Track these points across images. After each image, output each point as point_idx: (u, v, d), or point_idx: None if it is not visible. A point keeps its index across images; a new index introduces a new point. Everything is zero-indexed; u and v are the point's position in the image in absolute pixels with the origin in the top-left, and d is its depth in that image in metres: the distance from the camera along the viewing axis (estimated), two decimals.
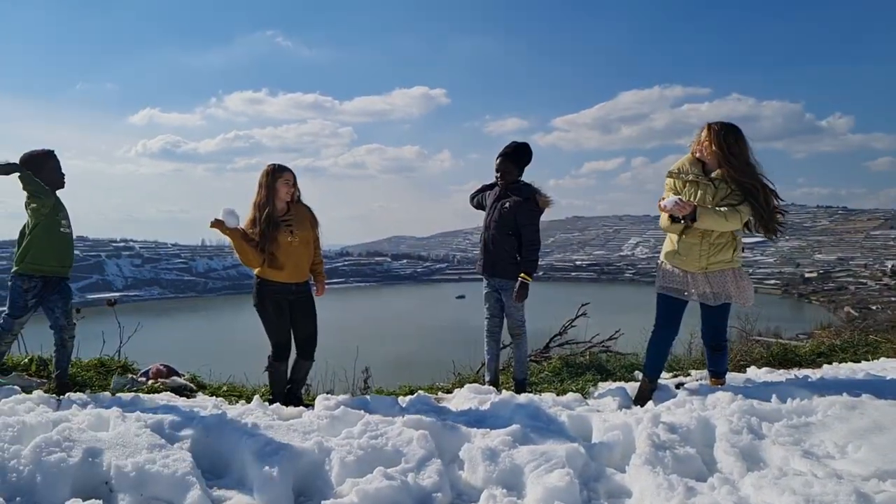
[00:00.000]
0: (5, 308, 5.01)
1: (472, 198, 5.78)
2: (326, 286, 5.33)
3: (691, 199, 4.40)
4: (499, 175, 5.35)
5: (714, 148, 4.36)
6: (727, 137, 4.35)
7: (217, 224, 4.76)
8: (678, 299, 4.64)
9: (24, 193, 4.88)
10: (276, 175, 4.88)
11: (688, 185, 4.49)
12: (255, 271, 4.94)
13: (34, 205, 4.88)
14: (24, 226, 5.00)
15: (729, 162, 4.33)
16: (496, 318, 5.51)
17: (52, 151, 5.06)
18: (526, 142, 5.41)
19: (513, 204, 5.22)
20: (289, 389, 5.16)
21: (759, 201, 4.31)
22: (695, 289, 4.54)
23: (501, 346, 5.74)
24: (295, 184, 4.97)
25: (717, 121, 4.46)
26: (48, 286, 5.01)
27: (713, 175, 4.43)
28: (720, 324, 4.74)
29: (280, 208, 4.91)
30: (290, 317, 5.02)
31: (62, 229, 5.06)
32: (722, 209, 4.32)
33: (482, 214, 5.48)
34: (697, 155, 4.51)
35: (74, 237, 5.26)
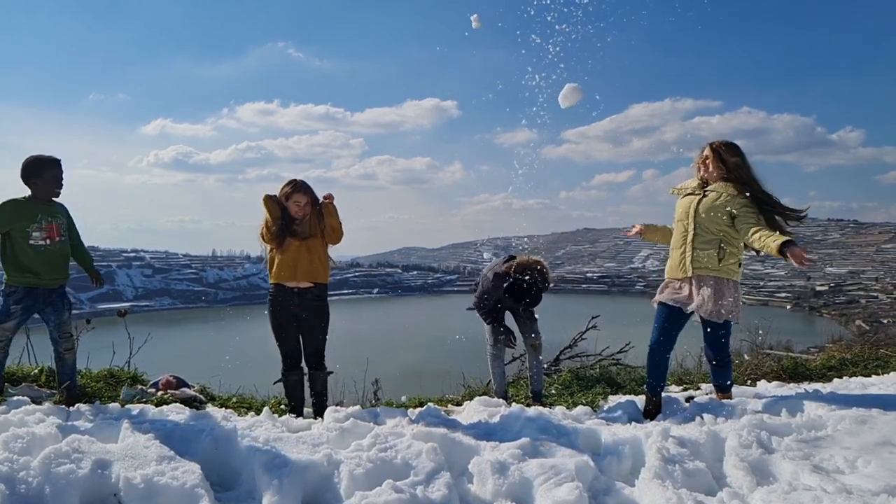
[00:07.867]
0: None
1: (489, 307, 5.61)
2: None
3: (686, 209, 4.64)
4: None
5: (718, 163, 4.55)
6: (728, 152, 4.54)
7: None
8: (673, 312, 4.67)
9: None
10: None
11: (684, 197, 4.73)
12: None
13: None
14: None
15: (737, 176, 4.48)
16: (502, 339, 5.56)
17: (59, 161, 4.87)
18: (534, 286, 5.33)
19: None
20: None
21: (769, 202, 4.43)
22: (685, 295, 4.60)
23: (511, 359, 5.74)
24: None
25: (717, 140, 4.64)
26: (32, 294, 4.83)
27: (708, 188, 4.60)
28: (716, 339, 4.74)
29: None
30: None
31: (31, 241, 4.77)
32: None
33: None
34: (702, 174, 4.67)
35: (86, 247, 5.27)
